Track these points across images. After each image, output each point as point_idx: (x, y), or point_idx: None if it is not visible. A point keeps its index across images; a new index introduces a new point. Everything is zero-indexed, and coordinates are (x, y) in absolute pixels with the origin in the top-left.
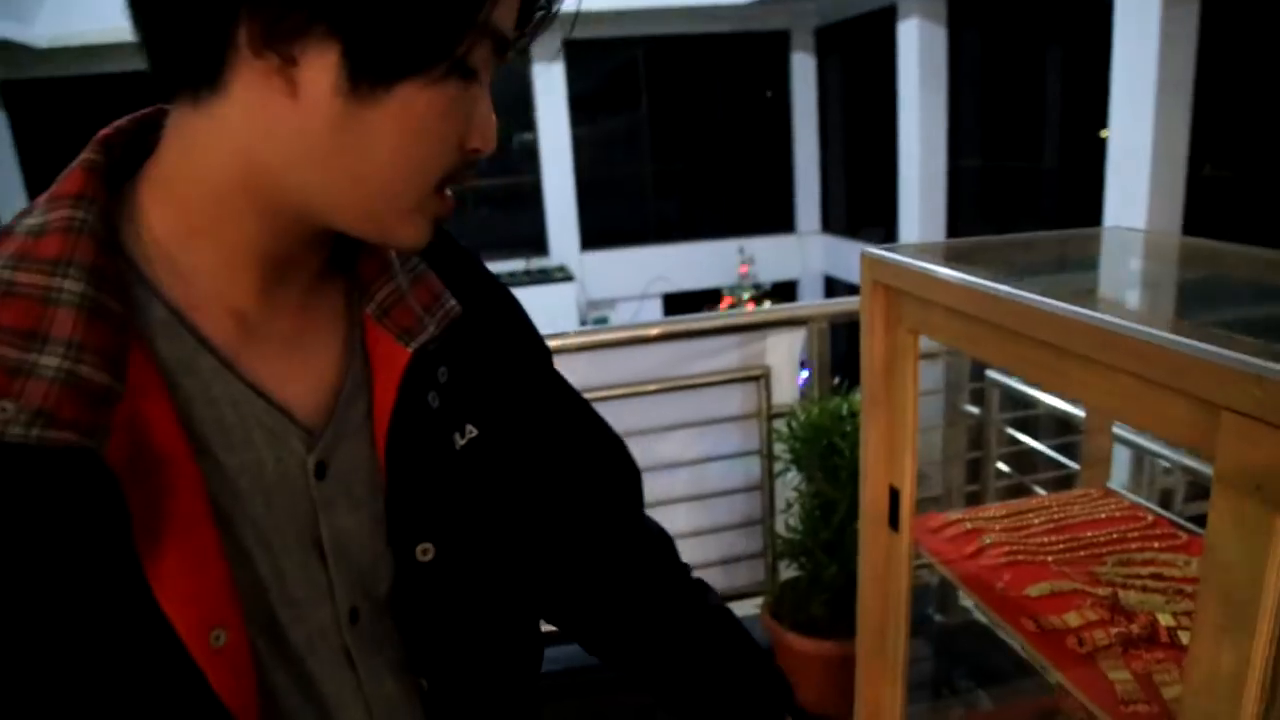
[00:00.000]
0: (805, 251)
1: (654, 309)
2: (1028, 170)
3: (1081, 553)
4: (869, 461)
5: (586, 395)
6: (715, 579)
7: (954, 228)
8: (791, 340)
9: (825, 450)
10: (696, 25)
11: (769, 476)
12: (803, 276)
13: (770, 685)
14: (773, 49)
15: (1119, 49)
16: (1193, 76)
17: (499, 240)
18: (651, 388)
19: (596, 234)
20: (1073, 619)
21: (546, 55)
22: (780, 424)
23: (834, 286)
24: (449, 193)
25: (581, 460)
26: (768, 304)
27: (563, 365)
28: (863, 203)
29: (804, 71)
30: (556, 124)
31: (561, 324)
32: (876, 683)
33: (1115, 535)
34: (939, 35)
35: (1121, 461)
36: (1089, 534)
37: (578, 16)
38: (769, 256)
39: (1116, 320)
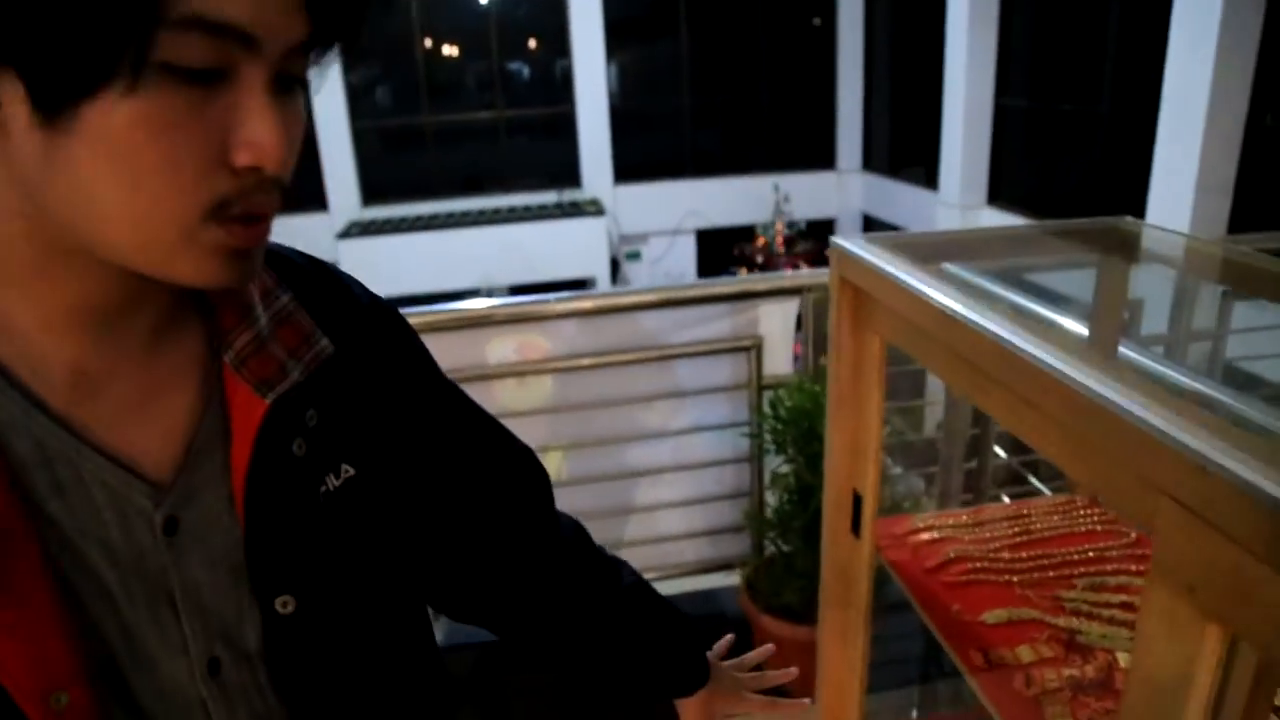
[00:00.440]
0: (844, 190)
1: (687, 245)
2: (1078, 113)
3: (1051, 573)
4: (832, 464)
5: (573, 363)
6: (699, 549)
7: (997, 171)
8: (785, 310)
9: (806, 434)
10: None
11: (758, 449)
12: (841, 215)
13: (686, 659)
14: None
15: None
16: (1261, 20)
17: (530, 171)
18: (640, 356)
19: (630, 167)
20: (1025, 654)
21: None
22: (771, 396)
23: (872, 226)
24: (245, 222)
25: (484, 474)
26: (803, 246)
27: (548, 332)
28: (906, 141)
29: (851, 1)
30: (592, 51)
31: (592, 259)
32: (838, 680)
33: (1091, 553)
34: None
35: None
36: (1062, 551)
37: None
38: (806, 194)
39: (1067, 373)
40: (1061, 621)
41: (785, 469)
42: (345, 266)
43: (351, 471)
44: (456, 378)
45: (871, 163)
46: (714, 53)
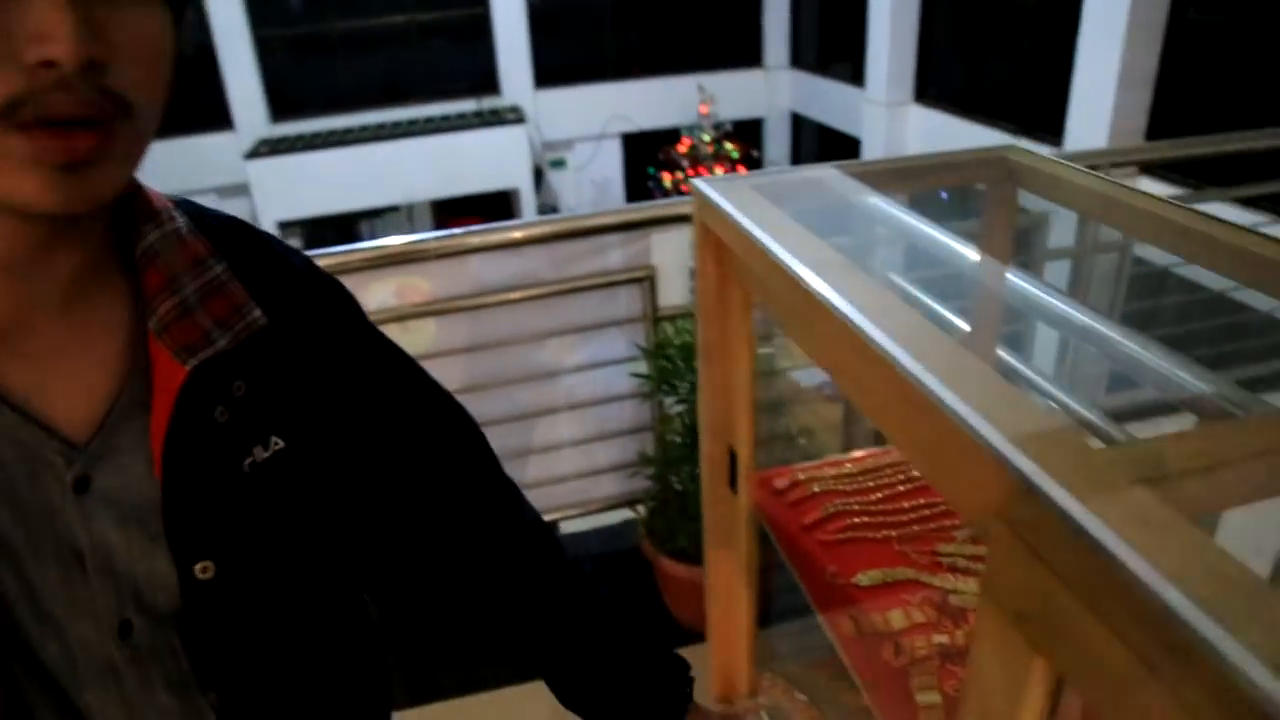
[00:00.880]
0: (772, 88)
1: (613, 150)
2: (1005, 5)
3: (931, 524)
4: (706, 418)
5: (459, 304)
6: (603, 486)
7: (925, 67)
8: (679, 239)
9: (695, 374)
10: None
11: (657, 383)
12: (769, 115)
13: (671, 684)
14: None
15: None
16: None
17: (447, 78)
18: (530, 293)
19: (551, 71)
20: (896, 619)
21: None
22: (664, 332)
23: (801, 126)
24: (49, 128)
25: (427, 453)
26: (730, 148)
27: (430, 272)
28: (834, 36)
29: None
30: None
31: (515, 169)
32: (726, 628)
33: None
34: None
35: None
36: (944, 500)
37: None
38: (733, 93)
39: (907, 365)
40: (938, 580)
41: (679, 408)
42: (255, 189)
43: (281, 444)
44: None
45: (799, 59)
46: None
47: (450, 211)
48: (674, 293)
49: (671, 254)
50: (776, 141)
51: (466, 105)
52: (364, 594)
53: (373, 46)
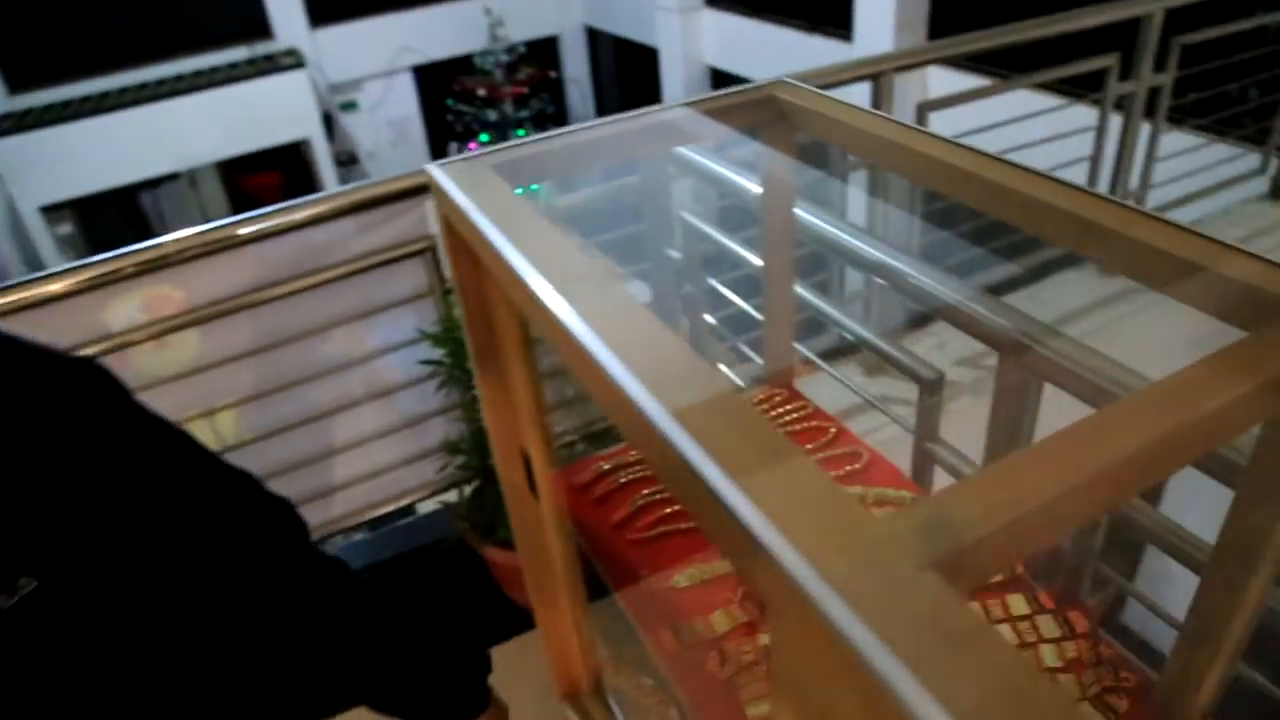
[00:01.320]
0: (563, 3)
1: (406, 86)
2: None
3: None
4: (491, 421)
5: (222, 308)
6: (421, 473)
7: None
8: None
9: None
10: None
11: (449, 368)
12: (562, 31)
13: (467, 685)
14: None
15: None
16: None
17: (208, 25)
18: (302, 284)
19: (326, 6)
20: (719, 622)
21: None
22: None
23: (597, 40)
24: None
25: (219, 543)
26: (526, 71)
27: (179, 280)
28: None
29: None
30: None
31: (301, 118)
32: (554, 623)
33: None
34: None
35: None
36: None
37: None
38: (523, 12)
39: (649, 415)
40: None
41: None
42: (3, 172)
43: (33, 584)
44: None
45: None
46: None
47: (239, 170)
48: None
49: None
50: (574, 59)
51: (237, 53)
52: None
53: None
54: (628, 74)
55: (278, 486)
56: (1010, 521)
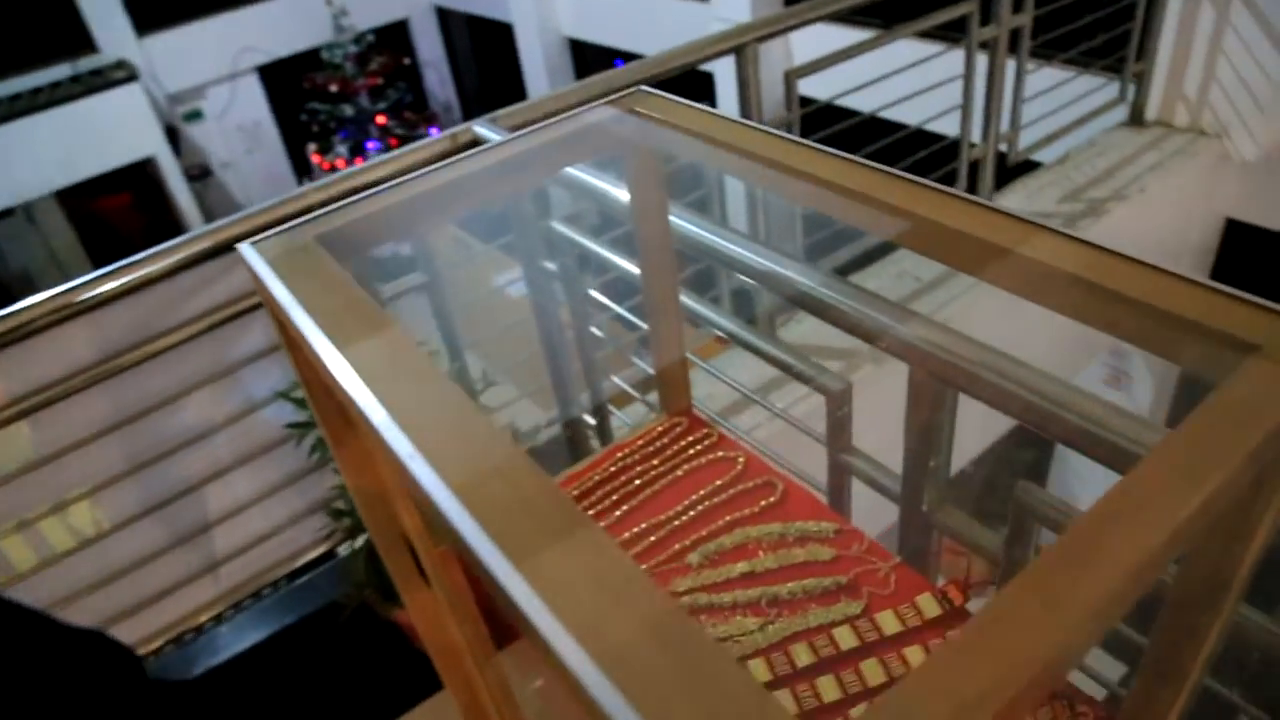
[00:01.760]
0: None
1: (253, 88)
2: None
3: (655, 543)
4: (359, 501)
5: (53, 393)
6: (306, 532)
7: None
8: None
9: None
10: None
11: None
12: (411, 14)
13: None
14: None
15: None
16: None
17: (17, 44)
18: (144, 352)
19: (151, 11)
20: None
21: None
22: None
23: (449, 20)
24: None
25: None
26: (378, 61)
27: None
28: None
29: None
30: None
31: (141, 134)
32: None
33: (696, 502)
34: None
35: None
36: (666, 512)
37: None
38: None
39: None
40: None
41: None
42: None
43: None
44: None
45: None
46: None
47: (85, 195)
48: None
49: None
50: (427, 42)
51: (59, 72)
52: None
53: None
54: (485, 53)
55: (150, 571)
56: None
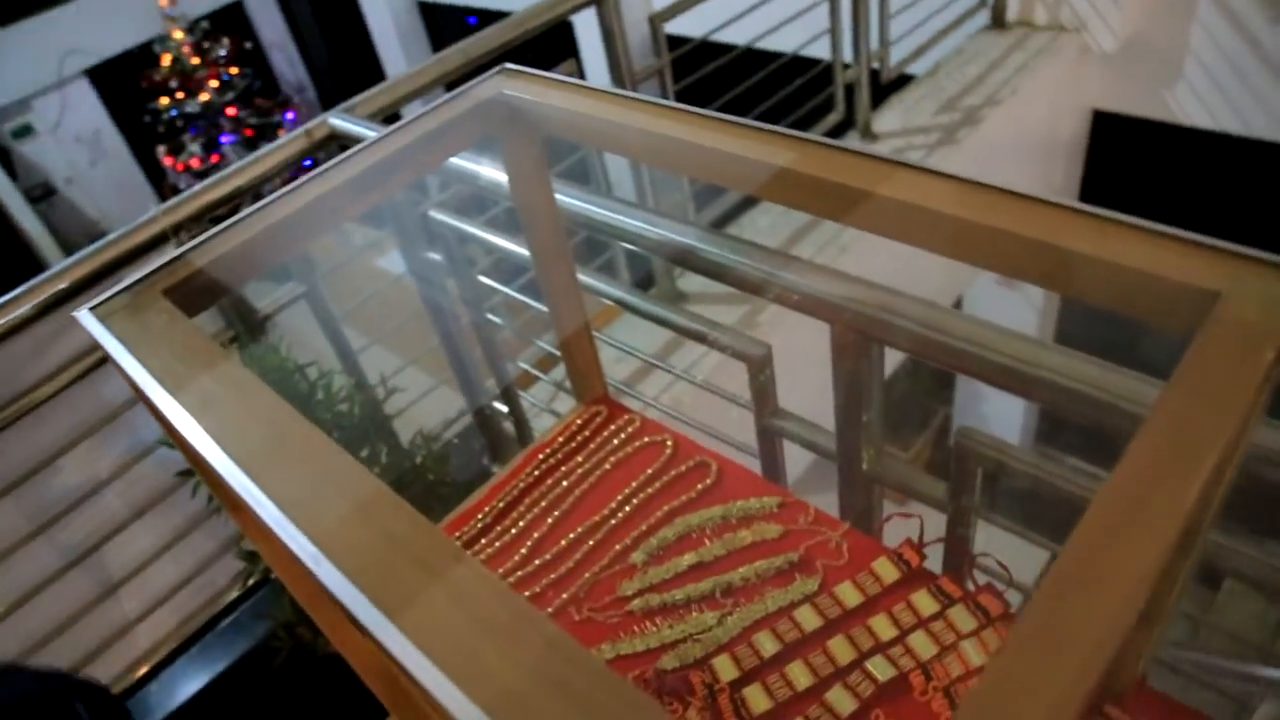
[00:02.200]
0: None
1: (85, 95)
2: None
3: (595, 546)
4: (272, 563)
5: None
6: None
7: None
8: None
9: None
10: None
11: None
12: None
13: None
14: None
15: None
16: None
17: None
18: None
19: None
20: None
21: None
22: None
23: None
24: None
25: None
26: (218, 49)
27: None
28: None
29: None
30: None
31: None
32: None
33: (630, 496)
34: None
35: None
36: (601, 511)
37: None
38: None
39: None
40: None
41: None
42: None
43: None
44: None
45: None
46: None
47: None
48: None
49: None
50: (268, 21)
51: None
52: None
53: None
54: (331, 27)
55: (62, 644)
56: None
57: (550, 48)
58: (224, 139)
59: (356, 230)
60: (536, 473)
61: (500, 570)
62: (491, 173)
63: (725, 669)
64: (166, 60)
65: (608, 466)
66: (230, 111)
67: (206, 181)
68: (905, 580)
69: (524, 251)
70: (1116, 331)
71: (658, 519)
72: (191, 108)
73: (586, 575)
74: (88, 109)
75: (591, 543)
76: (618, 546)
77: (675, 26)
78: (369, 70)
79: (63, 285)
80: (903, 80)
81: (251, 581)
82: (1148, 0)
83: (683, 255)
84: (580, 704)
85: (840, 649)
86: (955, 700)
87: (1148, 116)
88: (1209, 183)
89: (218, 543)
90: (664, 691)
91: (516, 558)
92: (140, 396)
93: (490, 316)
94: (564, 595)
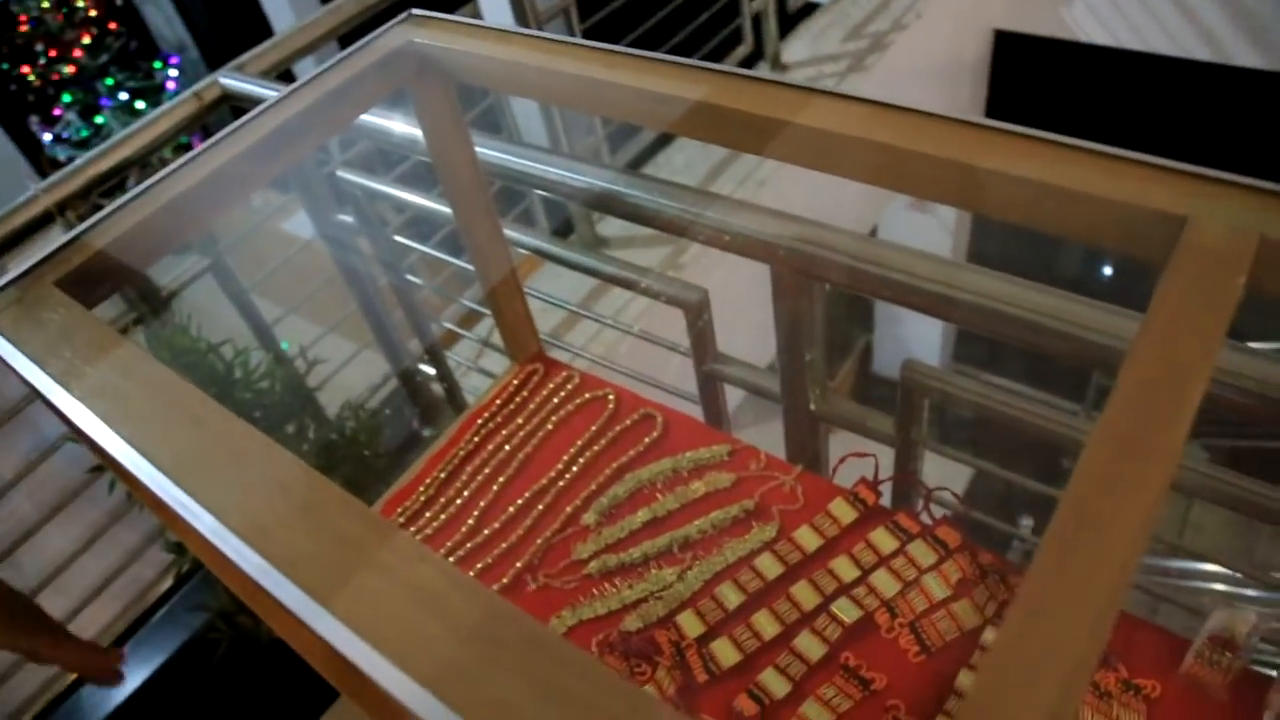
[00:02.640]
0: None
1: None
2: None
3: (545, 510)
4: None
5: None
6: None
7: None
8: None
9: None
10: None
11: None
12: None
13: None
14: None
15: None
16: None
17: None
18: None
19: None
20: None
21: None
22: None
23: None
24: None
25: None
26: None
27: None
28: None
29: None
30: None
31: None
32: None
33: (576, 455)
34: None
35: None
36: (548, 474)
37: None
38: None
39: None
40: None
41: None
42: None
43: None
44: None
45: None
46: None
47: None
48: None
49: None
50: None
51: None
52: None
53: None
54: None
55: None
56: None
57: None
58: (104, 102)
59: (259, 194)
60: (476, 438)
61: (449, 543)
62: (404, 128)
63: (690, 625)
64: (29, 21)
65: (550, 427)
66: (106, 74)
67: (90, 154)
68: (863, 519)
69: (439, 207)
70: (1029, 248)
71: (607, 477)
72: (63, 71)
73: (539, 541)
74: None
75: (541, 507)
76: (568, 509)
77: None
78: (256, 24)
79: None
80: (809, 9)
81: (182, 571)
82: None
83: (608, 201)
84: (521, 668)
85: (804, 594)
86: (921, 635)
87: (1047, 35)
88: (1109, 99)
89: (141, 535)
90: (631, 653)
91: (464, 529)
92: (41, 399)
93: (409, 277)
94: (518, 564)
